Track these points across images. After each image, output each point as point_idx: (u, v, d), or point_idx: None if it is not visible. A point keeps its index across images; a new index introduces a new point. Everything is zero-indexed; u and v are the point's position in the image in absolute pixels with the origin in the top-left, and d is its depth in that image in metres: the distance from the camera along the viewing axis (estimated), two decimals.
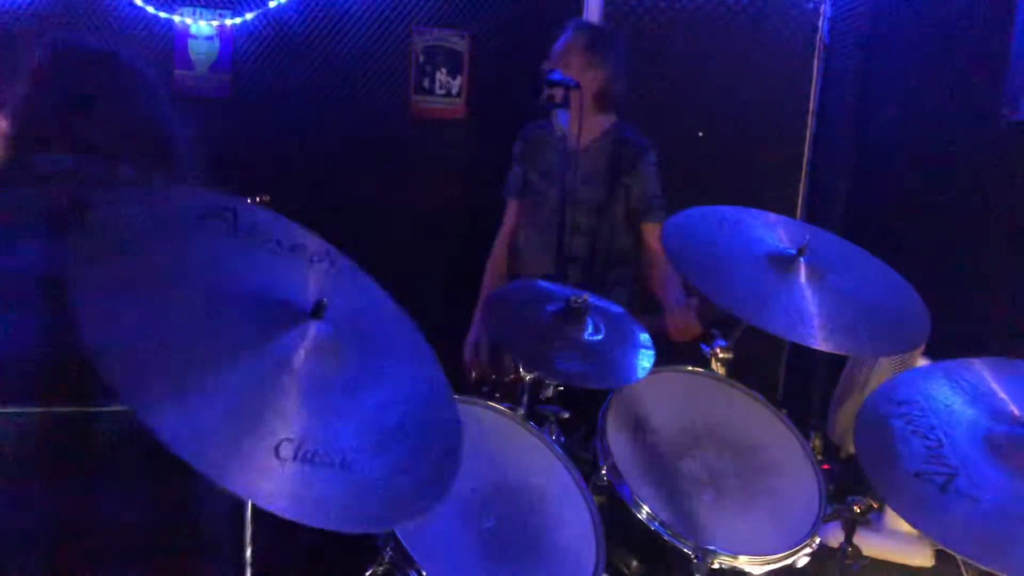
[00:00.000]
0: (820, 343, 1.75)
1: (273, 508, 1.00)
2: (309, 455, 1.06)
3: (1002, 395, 1.43)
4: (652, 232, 2.85)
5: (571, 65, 2.71)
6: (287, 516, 1.00)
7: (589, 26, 2.99)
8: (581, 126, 2.55)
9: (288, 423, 1.07)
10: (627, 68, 2.89)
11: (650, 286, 2.93)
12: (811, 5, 3.65)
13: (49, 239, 1.23)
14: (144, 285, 1.10)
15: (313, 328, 1.17)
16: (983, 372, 1.48)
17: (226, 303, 1.15)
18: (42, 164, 1.30)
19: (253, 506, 1.18)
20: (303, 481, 1.04)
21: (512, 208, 3.04)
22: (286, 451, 1.04)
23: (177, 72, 3.53)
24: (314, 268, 1.30)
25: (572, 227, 2.80)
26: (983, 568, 1.20)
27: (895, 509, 1.33)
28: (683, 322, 2.51)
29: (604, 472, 1.77)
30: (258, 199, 2.85)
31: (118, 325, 1.02)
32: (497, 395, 2.33)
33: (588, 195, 2.85)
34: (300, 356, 1.14)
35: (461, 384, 1.93)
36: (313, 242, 1.34)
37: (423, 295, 3.00)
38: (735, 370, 2.09)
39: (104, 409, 1.19)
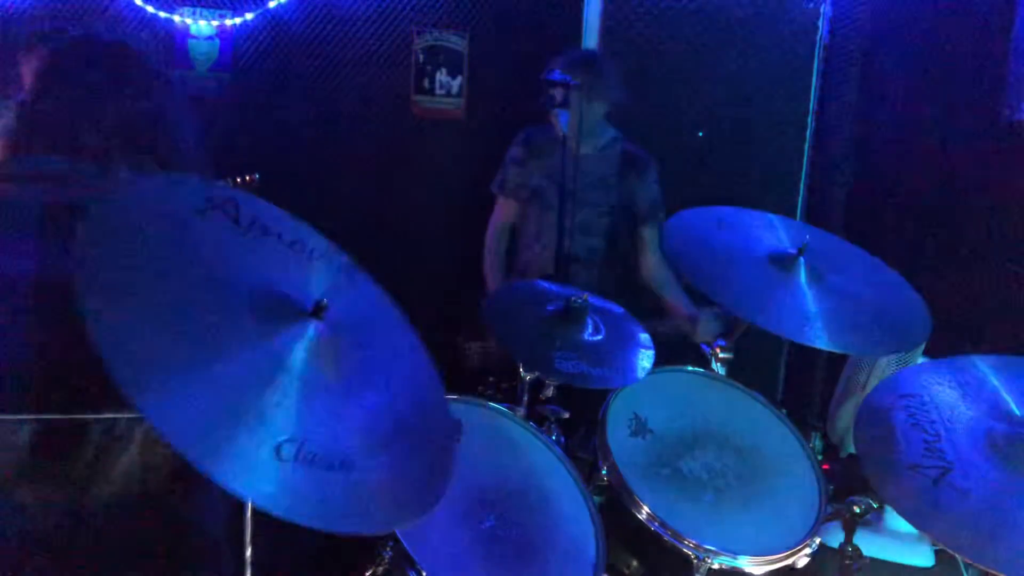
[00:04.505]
0: (820, 343, 1.75)
1: (275, 511, 0.99)
2: (310, 456, 1.05)
3: (1004, 394, 1.43)
4: (651, 237, 3.03)
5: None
6: (289, 518, 1.00)
7: (584, 60, 3.00)
8: (582, 130, 2.64)
9: (289, 423, 1.07)
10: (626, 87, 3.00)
11: (652, 288, 3.02)
12: (811, 5, 3.65)
13: (44, 242, 1.22)
14: (146, 277, 1.09)
15: (312, 327, 1.16)
16: (987, 370, 1.48)
17: (227, 297, 1.14)
18: (40, 164, 1.30)
19: (253, 506, 1.18)
20: (304, 482, 1.04)
21: (508, 206, 3.07)
22: (287, 452, 1.04)
23: (177, 72, 3.53)
24: (314, 265, 1.30)
25: (581, 228, 2.89)
26: (984, 568, 1.20)
27: (886, 499, 1.34)
28: (709, 332, 2.64)
29: (604, 472, 1.77)
30: (247, 178, 2.86)
31: (116, 314, 1.02)
32: (498, 395, 2.33)
33: (597, 198, 2.97)
34: (299, 356, 1.13)
35: (459, 384, 1.93)
36: (312, 237, 1.34)
37: (422, 295, 3.01)
38: (735, 370, 2.09)
39: (99, 416, 1.19)
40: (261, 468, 1.01)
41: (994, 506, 1.26)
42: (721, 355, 2.09)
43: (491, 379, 2.53)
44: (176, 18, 3.51)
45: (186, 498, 1.28)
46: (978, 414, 1.41)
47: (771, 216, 2.06)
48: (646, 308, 2.95)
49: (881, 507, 2.03)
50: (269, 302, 1.17)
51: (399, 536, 1.48)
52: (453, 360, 3.04)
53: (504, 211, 3.11)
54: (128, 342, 1.00)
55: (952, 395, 1.45)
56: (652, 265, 3.07)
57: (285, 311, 1.17)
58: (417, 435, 1.26)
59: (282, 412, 1.07)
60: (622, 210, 3.04)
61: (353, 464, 1.11)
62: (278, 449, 1.03)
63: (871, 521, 2.59)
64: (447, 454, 1.29)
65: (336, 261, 1.34)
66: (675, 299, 2.95)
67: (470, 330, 3.04)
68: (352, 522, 1.10)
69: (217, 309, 1.12)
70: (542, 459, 1.79)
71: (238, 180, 2.88)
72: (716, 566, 1.65)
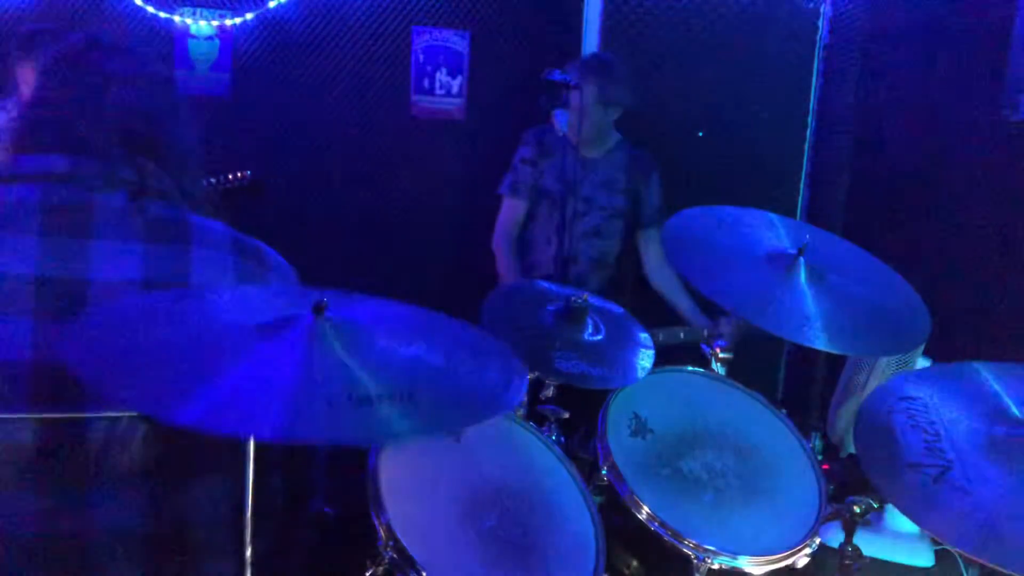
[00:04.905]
0: (820, 343, 1.75)
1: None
2: (373, 398, 1.08)
3: (1005, 397, 1.44)
4: (657, 240, 3.11)
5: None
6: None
7: (601, 66, 3.01)
8: (592, 134, 2.67)
9: (344, 375, 1.10)
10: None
11: (660, 293, 3.06)
12: (811, 5, 3.65)
13: (44, 242, 1.22)
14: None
15: (318, 326, 1.16)
16: (989, 375, 1.48)
17: (224, 328, 1.16)
18: (39, 164, 1.30)
19: (253, 506, 1.18)
20: (383, 418, 1.07)
21: (516, 208, 3.07)
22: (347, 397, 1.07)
23: (177, 72, 3.53)
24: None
25: (593, 232, 2.91)
26: (985, 564, 1.21)
27: (887, 497, 1.34)
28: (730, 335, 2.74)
29: (604, 472, 1.77)
30: (239, 175, 2.87)
31: (119, 334, 1.03)
32: None
33: (606, 201, 3.02)
34: (316, 343, 1.15)
35: None
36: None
37: (422, 295, 3.01)
38: (735, 370, 2.09)
39: (99, 416, 1.19)
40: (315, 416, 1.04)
41: (995, 503, 1.26)
42: (721, 355, 2.09)
43: None
44: (176, 18, 3.51)
45: (186, 498, 1.28)
46: (978, 416, 1.41)
47: (771, 216, 2.06)
48: (659, 314, 3.00)
49: (881, 507, 2.03)
50: (267, 320, 1.17)
51: (399, 536, 1.48)
52: None
53: (512, 213, 3.09)
54: (131, 364, 1.02)
55: (952, 397, 1.45)
56: (660, 269, 3.09)
57: (285, 322, 1.17)
58: (474, 361, 1.29)
59: (338, 365, 1.11)
60: (630, 213, 3.05)
61: (419, 393, 1.13)
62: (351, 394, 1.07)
63: (871, 521, 2.58)
64: (513, 363, 1.31)
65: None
66: (686, 305, 2.98)
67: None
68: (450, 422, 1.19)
69: (218, 319, 1.14)
70: (542, 459, 1.79)
71: (230, 177, 2.89)
72: (716, 566, 1.65)
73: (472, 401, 1.19)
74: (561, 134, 2.51)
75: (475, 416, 1.22)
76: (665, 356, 2.04)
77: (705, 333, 2.96)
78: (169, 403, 1.00)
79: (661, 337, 2.89)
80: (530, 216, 3.08)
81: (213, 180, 2.83)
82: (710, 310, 2.95)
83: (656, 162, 3.11)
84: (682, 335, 2.97)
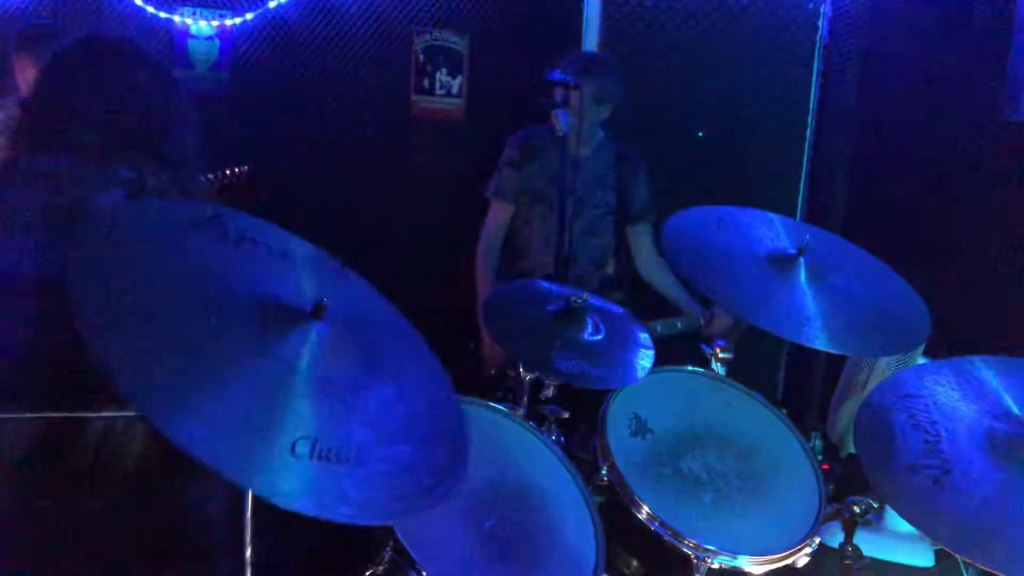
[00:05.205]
0: (820, 343, 1.75)
1: (296, 507, 1.00)
2: (324, 452, 1.06)
3: (1005, 394, 1.43)
4: (648, 234, 3.10)
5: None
6: (310, 514, 1.01)
7: (594, 64, 3.01)
8: (581, 132, 2.67)
9: (302, 422, 1.08)
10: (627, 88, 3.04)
11: (654, 286, 3.08)
12: (811, 5, 3.65)
13: (44, 242, 1.22)
14: (143, 294, 1.10)
15: (314, 329, 1.17)
16: (988, 371, 1.48)
17: (225, 308, 1.15)
18: (39, 164, 1.30)
19: (253, 506, 1.18)
20: (321, 478, 1.05)
21: (503, 211, 3.05)
22: (302, 449, 1.05)
23: (177, 72, 3.53)
24: (306, 270, 1.31)
25: (588, 230, 2.91)
26: (984, 568, 1.20)
27: (886, 499, 1.34)
28: (722, 325, 2.78)
29: (604, 472, 1.77)
30: (236, 170, 2.86)
31: (122, 336, 1.03)
32: (500, 394, 2.33)
33: (598, 199, 3.01)
34: (304, 357, 1.14)
35: (469, 387, 1.93)
36: (300, 245, 1.34)
37: (422, 295, 3.01)
38: (735, 370, 2.09)
39: (99, 415, 1.19)
40: (279, 466, 1.02)
41: (995, 506, 1.26)
42: (721, 355, 2.09)
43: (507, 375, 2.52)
44: (176, 18, 3.51)
45: (186, 498, 1.28)
46: (978, 414, 1.41)
47: (771, 216, 2.06)
48: (657, 307, 3.00)
49: (881, 507, 2.03)
50: (269, 310, 1.17)
51: (399, 536, 1.48)
52: (456, 362, 3.03)
53: (499, 216, 3.06)
54: (138, 364, 1.01)
55: (953, 395, 1.45)
56: (652, 263, 3.09)
57: (285, 317, 1.17)
58: (427, 430, 1.27)
59: (295, 411, 1.09)
60: (621, 210, 3.05)
61: (367, 459, 1.11)
62: (294, 446, 1.04)
63: (871, 521, 2.59)
64: (459, 445, 1.29)
65: (327, 265, 1.35)
66: (679, 295, 2.98)
67: (468, 331, 3.04)
68: (370, 516, 1.11)
69: (219, 323, 1.13)
70: (542, 459, 1.79)
71: (228, 173, 2.88)
72: (716, 566, 1.65)
73: (406, 492, 1.15)
74: (561, 134, 2.50)
75: (401, 510, 1.19)
76: (666, 348, 2.04)
77: (702, 321, 2.97)
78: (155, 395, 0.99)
79: (660, 328, 2.89)
80: (523, 220, 3.07)
81: (210, 176, 2.83)
82: (705, 299, 2.95)
83: (643, 156, 3.11)
84: (679, 325, 2.97)
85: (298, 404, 1.09)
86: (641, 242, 3.12)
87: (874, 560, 2.43)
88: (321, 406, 1.12)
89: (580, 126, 2.78)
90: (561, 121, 2.57)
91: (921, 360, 2.37)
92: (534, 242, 3.03)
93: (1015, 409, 1.40)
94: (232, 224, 1.26)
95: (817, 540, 1.72)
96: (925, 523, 1.29)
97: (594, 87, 2.86)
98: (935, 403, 1.44)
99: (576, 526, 1.68)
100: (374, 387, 1.23)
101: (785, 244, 1.94)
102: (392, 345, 1.37)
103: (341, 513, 1.04)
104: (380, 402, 1.22)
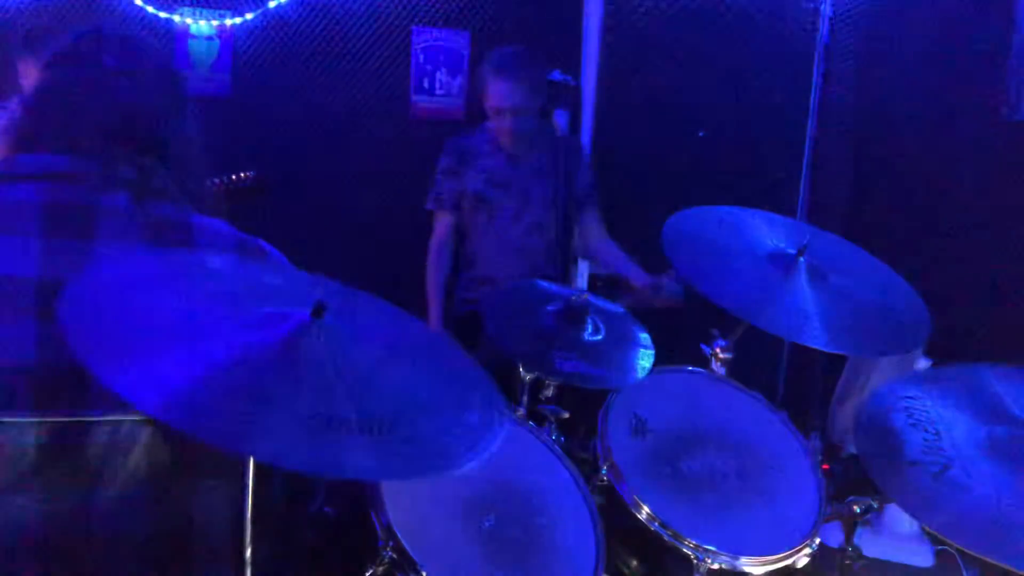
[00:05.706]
0: (820, 343, 1.75)
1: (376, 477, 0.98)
2: (351, 422, 1.05)
3: (1006, 399, 1.44)
4: (595, 218, 3.05)
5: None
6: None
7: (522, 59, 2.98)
8: (515, 127, 2.65)
9: (328, 399, 1.06)
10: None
11: (607, 268, 3.06)
12: (811, 5, 3.65)
13: (44, 242, 1.22)
14: (133, 289, 1.10)
15: (315, 328, 1.16)
16: (990, 378, 1.49)
17: (224, 315, 1.14)
18: (40, 164, 1.30)
19: (253, 506, 1.18)
20: (380, 447, 1.04)
21: (447, 221, 3.03)
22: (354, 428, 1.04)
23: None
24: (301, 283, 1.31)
25: (536, 226, 2.90)
26: (987, 559, 1.21)
27: (888, 494, 1.34)
28: (673, 295, 2.67)
29: (604, 472, 1.77)
30: (242, 175, 2.87)
31: (119, 334, 1.02)
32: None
33: (543, 192, 2.96)
34: (312, 347, 1.12)
35: None
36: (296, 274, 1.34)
37: (422, 295, 3.01)
38: (735, 370, 2.09)
39: (102, 419, 1.19)
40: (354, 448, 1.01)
41: (995, 500, 1.26)
42: (721, 355, 2.09)
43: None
44: (176, 18, 3.51)
45: (185, 498, 1.28)
46: (979, 416, 1.41)
47: (771, 216, 2.06)
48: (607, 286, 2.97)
49: (881, 507, 2.03)
50: (266, 316, 1.16)
51: (399, 536, 1.48)
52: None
53: (444, 227, 3.03)
54: (132, 364, 1.00)
55: (953, 397, 1.45)
56: (601, 246, 3.05)
57: (285, 320, 1.16)
58: (455, 400, 1.25)
59: (322, 388, 1.07)
60: (566, 198, 3.01)
61: (398, 426, 1.10)
62: (353, 429, 1.03)
63: (871, 521, 2.59)
64: (491, 401, 1.27)
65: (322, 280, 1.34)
66: (631, 271, 2.89)
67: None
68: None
69: (219, 325, 1.12)
70: (542, 459, 1.79)
71: (233, 178, 2.89)
72: (716, 566, 1.65)
73: (445, 450, 1.14)
74: (560, 133, 2.50)
75: (444, 466, 1.16)
76: (666, 348, 2.03)
77: (656, 292, 2.87)
78: (113, 365, 0.97)
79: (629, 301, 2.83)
80: (470, 226, 3.04)
81: (217, 180, 2.83)
82: (655, 270, 2.86)
83: (580, 142, 3.09)
84: (627, 303, 2.89)
85: (320, 381, 1.07)
86: (590, 228, 3.07)
87: (874, 560, 2.43)
88: (346, 384, 1.09)
89: (515, 124, 2.80)
90: (560, 121, 2.57)
91: (921, 361, 2.38)
92: (486, 250, 3.00)
93: (1016, 412, 1.40)
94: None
95: (817, 540, 1.72)
96: (926, 515, 1.30)
97: (528, 83, 2.84)
98: (935, 406, 1.44)
99: (576, 526, 1.68)
100: (392, 368, 1.21)
101: (785, 244, 1.94)
102: (403, 336, 1.36)
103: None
104: (402, 379, 1.20)
